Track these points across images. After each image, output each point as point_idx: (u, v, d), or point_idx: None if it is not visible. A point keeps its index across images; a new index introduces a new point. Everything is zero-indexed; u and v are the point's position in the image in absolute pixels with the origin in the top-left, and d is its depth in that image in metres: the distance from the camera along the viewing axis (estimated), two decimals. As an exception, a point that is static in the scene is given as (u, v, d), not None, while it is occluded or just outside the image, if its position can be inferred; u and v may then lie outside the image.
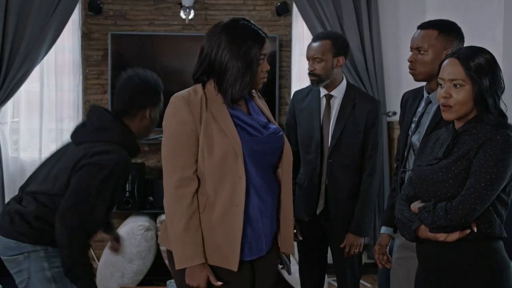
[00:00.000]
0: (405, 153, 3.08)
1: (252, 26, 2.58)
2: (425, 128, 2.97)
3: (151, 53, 5.60)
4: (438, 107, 2.88)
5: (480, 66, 2.41)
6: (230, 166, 2.51)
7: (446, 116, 2.49)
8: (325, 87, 3.67)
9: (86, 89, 5.64)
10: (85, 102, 5.61)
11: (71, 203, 2.80)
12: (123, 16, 5.62)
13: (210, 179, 2.53)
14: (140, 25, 5.63)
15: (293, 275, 4.92)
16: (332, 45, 3.60)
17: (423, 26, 3.01)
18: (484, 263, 2.41)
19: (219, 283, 2.52)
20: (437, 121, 2.90)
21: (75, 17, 5.48)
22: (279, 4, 5.65)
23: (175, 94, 2.59)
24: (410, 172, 2.99)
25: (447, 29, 2.96)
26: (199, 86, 2.60)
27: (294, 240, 3.77)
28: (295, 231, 3.74)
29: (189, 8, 5.50)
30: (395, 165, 3.33)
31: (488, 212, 2.40)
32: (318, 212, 3.69)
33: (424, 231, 2.46)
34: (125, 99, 2.98)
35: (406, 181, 3.01)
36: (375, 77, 5.53)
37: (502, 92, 2.48)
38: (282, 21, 5.73)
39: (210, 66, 2.55)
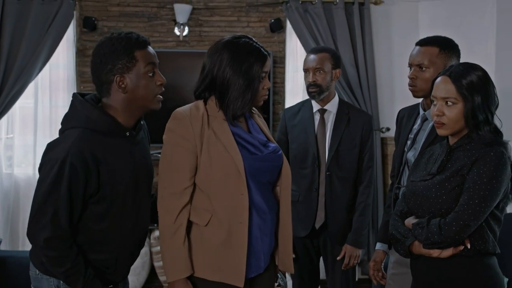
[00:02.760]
0: (400, 170, 3.10)
1: (254, 43, 2.59)
2: (421, 145, 2.99)
3: (146, 69, 5.58)
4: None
5: (472, 83, 2.43)
6: (233, 183, 2.52)
7: (440, 132, 2.51)
8: (319, 101, 3.73)
9: (80, 106, 5.61)
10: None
11: (31, 214, 2.46)
12: (118, 32, 5.62)
13: (213, 196, 2.54)
14: (134, 42, 5.63)
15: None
16: (331, 57, 3.70)
17: (422, 43, 3.02)
18: (478, 279, 2.43)
19: None
20: (433, 138, 2.92)
21: (70, 34, 5.49)
22: (272, 21, 5.68)
23: (177, 110, 2.59)
24: (404, 189, 3.01)
25: (447, 46, 2.99)
26: (200, 103, 2.61)
27: None
28: None
29: (184, 24, 5.54)
30: (391, 182, 3.35)
31: (482, 228, 2.41)
32: (317, 226, 3.70)
33: (418, 247, 2.48)
34: (93, 77, 2.55)
35: (400, 197, 3.03)
36: (368, 93, 5.55)
37: (496, 108, 2.50)
38: (276, 38, 5.75)
39: (212, 83, 2.57)
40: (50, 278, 2.56)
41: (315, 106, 3.76)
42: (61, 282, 2.54)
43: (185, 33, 5.57)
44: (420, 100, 3.14)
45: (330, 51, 3.77)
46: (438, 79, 2.52)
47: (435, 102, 2.51)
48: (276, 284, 2.83)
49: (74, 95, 2.58)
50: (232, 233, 2.53)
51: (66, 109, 2.60)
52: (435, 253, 2.44)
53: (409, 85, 3.04)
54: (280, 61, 5.74)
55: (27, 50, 5.22)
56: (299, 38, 5.57)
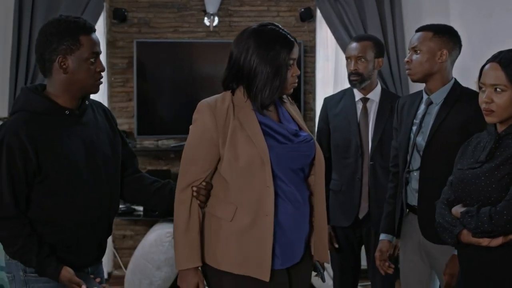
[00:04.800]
0: (408, 156, 3.13)
1: (280, 30, 2.57)
2: (429, 128, 3.05)
3: (176, 60, 5.60)
4: (441, 107, 3.03)
5: None
6: (258, 174, 2.50)
7: (489, 120, 2.48)
8: (361, 90, 3.70)
9: (111, 97, 5.68)
10: (110, 109, 5.59)
11: None
12: (148, 24, 5.65)
13: (237, 188, 2.53)
14: (164, 33, 5.66)
15: (326, 282, 4.93)
16: (374, 46, 3.68)
17: (419, 29, 3.13)
18: (528, 268, 2.40)
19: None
20: (441, 121, 3.01)
21: (100, 26, 5.50)
22: (303, 10, 5.66)
23: (202, 101, 2.59)
24: (415, 172, 3.07)
25: (441, 31, 3.08)
26: (228, 93, 2.60)
27: (329, 248, 3.78)
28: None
29: (213, 15, 5.54)
30: (391, 172, 3.37)
31: (532, 217, 2.38)
32: (361, 216, 3.68)
33: (467, 236, 2.44)
34: (37, 55, 2.62)
35: (413, 184, 3.11)
36: (399, 81, 5.52)
37: None
38: (306, 27, 5.74)
39: (239, 72, 2.54)
40: (18, 262, 2.62)
41: (357, 95, 3.73)
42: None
43: (215, 23, 5.57)
44: (412, 89, 3.18)
45: (374, 39, 3.74)
46: (487, 66, 2.48)
47: (483, 89, 2.48)
48: (314, 274, 2.82)
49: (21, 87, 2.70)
50: (257, 225, 2.51)
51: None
52: (484, 242, 2.40)
53: (406, 68, 3.15)
54: (310, 51, 5.73)
55: (58, 42, 5.23)
56: (329, 27, 5.56)
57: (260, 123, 2.56)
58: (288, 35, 2.57)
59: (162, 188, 2.86)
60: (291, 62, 2.55)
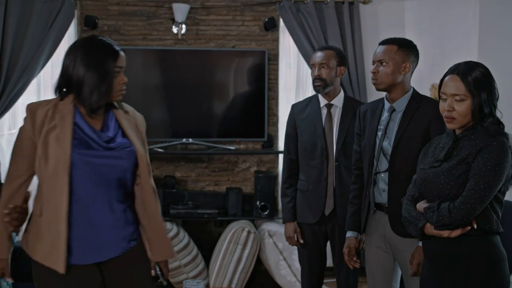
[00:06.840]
0: (375, 159, 3.37)
1: (107, 41, 2.78)
2: (394, 134, 3.30)
3: (145, 67, 5.77)
4: (403, 114, 3.30)
5: (477, 80, 2.69)
6: (61, 175, 2.68)
7: (450, 126, 2.76)
8: (325, 96, 3.96)
9: (81, 102, 5.76)
10: (80, 114, 5.74)
11: None
12: (118, 31, 5.80)
13: (46, 186, 2.72)
14: (134, 40, 5.81)
15: (285, 278, 5.14)
16: (336, 55, 3.94)
17: (384, 42, 3.38)
18: (484, 255, 2.69)
19: (10, 279, 2.81)
20: (405, 127, 3.27)
21: (71, 32, 5.63)
22: (266, 19, 5.86)
23: (29, 103, 2.78)
24: (382, 174, 3.33)
25: (405, 45, 3.35)
26: (56, 99, 2.77)
27: (293, 244, 4.03)
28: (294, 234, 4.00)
29: (181, 23, 5.71)
30: (354, 174, 3.62)
31: (486, 210, 2.67)
32: (327, 213, 3.93)
33: (429, 229, 2.74)
34: None
35: (378, 181, 3.36)
36: (358, 89, 5.77)
37: (497, 100, 2.77)
38: (269, 36, 5.95)
39: (68, 80, 2.72)
40: None
41: (322, 101, 3.98)
42: None
43: (183, 31, 5.74)
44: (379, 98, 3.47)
45: (336, 49, 4.01)
46: (447, 77, 2.76)
47: (444, 97, 2.76)
48: (158, 280, 2.99)
49: None
50: (55, 223, 2.69)
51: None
52: (445, 233, 2.68)
53: (372, 79, 3.38)
54: (273, 59, 5.94)
55: (30, 48, 5.35)
56: (291, 36, 5.76)
57: (76, 124, 2.73)
58: (113, 45, 2.78)
59: None
60: (117, 70, 2.75)
